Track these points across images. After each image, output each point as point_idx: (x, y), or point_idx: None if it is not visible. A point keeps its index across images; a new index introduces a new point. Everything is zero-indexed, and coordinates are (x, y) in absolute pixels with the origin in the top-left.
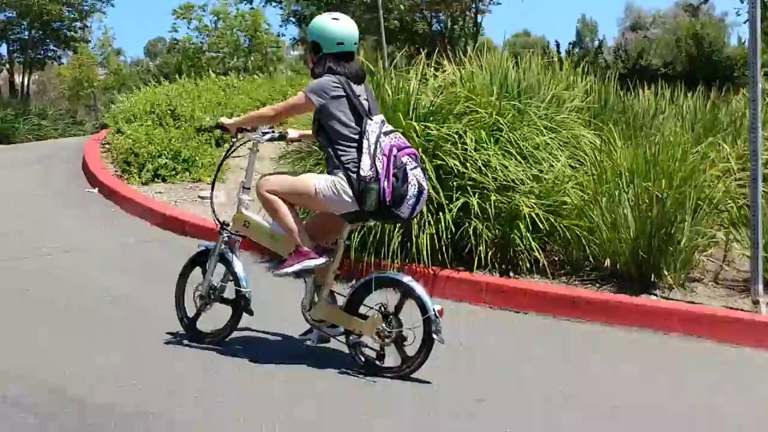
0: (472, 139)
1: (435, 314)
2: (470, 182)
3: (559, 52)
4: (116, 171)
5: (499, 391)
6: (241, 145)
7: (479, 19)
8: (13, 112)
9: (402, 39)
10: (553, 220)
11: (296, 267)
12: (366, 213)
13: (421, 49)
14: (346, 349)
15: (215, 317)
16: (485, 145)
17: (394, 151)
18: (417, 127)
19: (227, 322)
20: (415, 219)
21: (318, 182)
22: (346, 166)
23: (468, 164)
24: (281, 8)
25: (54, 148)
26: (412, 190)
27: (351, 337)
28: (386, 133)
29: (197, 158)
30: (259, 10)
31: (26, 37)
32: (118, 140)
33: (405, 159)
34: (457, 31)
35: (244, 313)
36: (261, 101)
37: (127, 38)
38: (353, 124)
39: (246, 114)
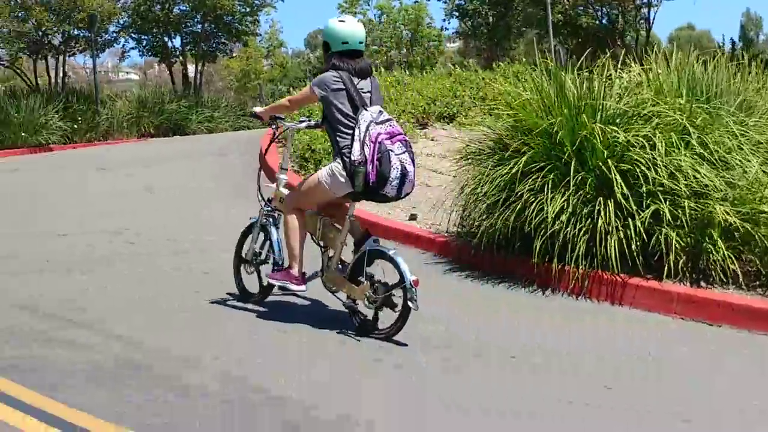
0: (662, 143)
1: (410, 284)
2: (660, 188)
3: (733, 49)
4: (292, 166)
5: (691, 402)
6: (282, 133)
7: (650, 14)
8: (187, 103)
9: (565, 33)
10: (749, 228)
11: (279, 283)
12: (359, 193)
13: (586, 45)
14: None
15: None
16: (675, 150)
17: (380, 137)
18: (602, 130)
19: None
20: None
21: (319, 173)
22: (342, 151)
23: (658, 169)
24: (445, 2)
25: (227, 141)
26: (394, 173)
27: (347, 302)
28: (380, 122)
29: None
30: (422, 5)
31: (199, 30)
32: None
33: (393, 145)
34: (623, 25)
35: None
36: (431, 97)
37: (288, 29)
38: (351, 114)
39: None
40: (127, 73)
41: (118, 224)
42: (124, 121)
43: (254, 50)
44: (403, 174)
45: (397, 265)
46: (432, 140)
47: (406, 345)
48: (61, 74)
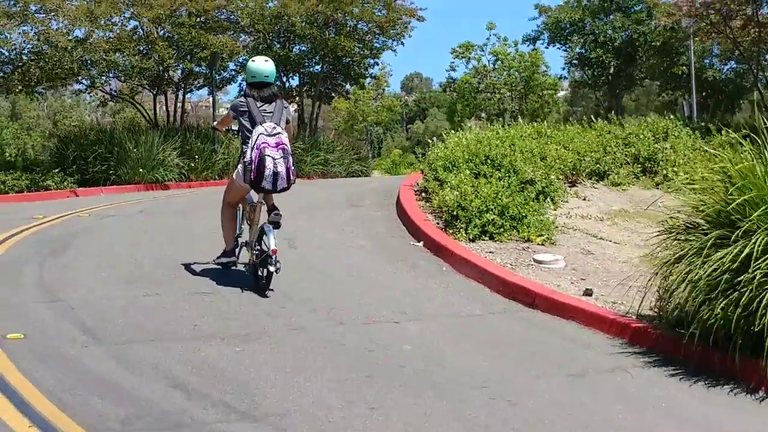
0: None
1: (270, 253)
2: None
3: None
4: (437, 223)
5: None
6: (224, 134)
7: None
8: (303, 145)
9: (689, 86)
10: None
11: (221, 260)
12: (252, 186)
13: (709, 98)
14: None
15: None
16: None
17: (263, 145)
18: None
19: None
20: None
21: (234, 174)
22: (243, 157)
23: None
24: (565, 50)
25: (355, 189)
26: (267, 172)
27: (249, 264)
28: (270, 135)
29: (525, 215)
30: (539, 52)
31: (317, 71)
32: (442, 191)
33: (274, 151)
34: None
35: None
36: (579, 152)
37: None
38: (251, 129)
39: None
40: (226, 109)
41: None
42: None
43: (363, 92)
44: (275, 173)
45: (267, 239)
46: (584, 200)
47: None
48: (179, 110)
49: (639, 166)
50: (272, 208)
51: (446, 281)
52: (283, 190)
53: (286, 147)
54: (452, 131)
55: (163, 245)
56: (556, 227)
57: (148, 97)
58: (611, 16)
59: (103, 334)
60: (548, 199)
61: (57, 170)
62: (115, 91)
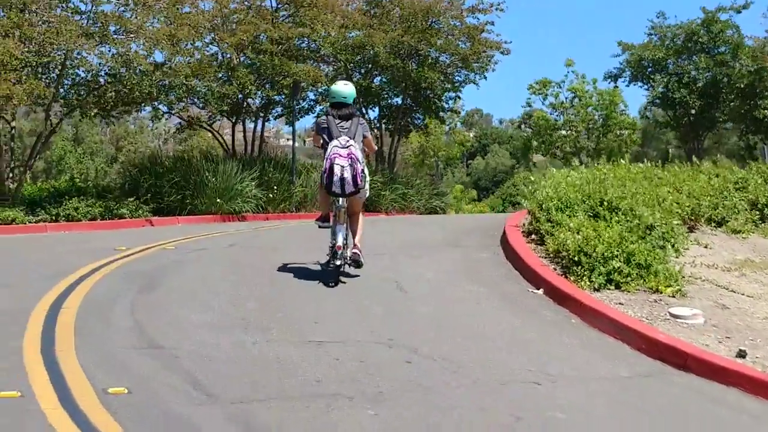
0: None
1: (335, 248)
2: None
3: None
4: (554, 269)
5: None
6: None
7: None
8: (382, 179)
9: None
10: None
11: (316, 222)
12: (325, 189)
13: None
14: None
15: None
16: None
17: (333, 155)
18: None
19: None
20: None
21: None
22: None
23: None
24: (647, 89)
25: (448, 227)
26: (334, 179)
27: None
28: (343, 147)
29: (651, 263)
30: (617, 90)
31: (398, 103)
32: (559, 234)
33: (343, 160)
34: None
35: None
36: (695, 197)
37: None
38: (329, 142)
39: None
40: (287, 139)
41: (381, 332)
42: (318, 194)
43: (435, 127)
44: (342, 179)
45: (336, 237)
46: (706, 247)
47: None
48: (258, 140)
49: (757, 213)
50: (352, 218)
51: (579, 336)
52: (352, 194)
53: (354, 156)
54: (553, 170)
55: (263, 285)
56: (683, 277)
57: (225, 125)
58: (694, 57)
59: (216, 390)
60: (670, 247)
61: (132, 199)
62: (193, 118)
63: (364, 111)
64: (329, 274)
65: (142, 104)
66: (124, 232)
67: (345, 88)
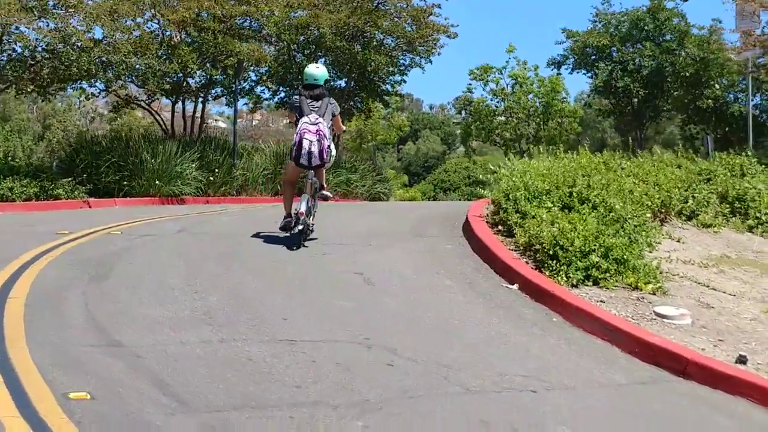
0: None
1: (297, 214)
2: None
3: None
4: (526, 262)
5: None
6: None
7: None
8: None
9: (714, 120)
10: None
11: (279, 224)
12: (294, 161)
13: (733, 133)
14: None
15: None
16: None
17: (303, 130)
18: None
19: None
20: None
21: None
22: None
23: None
24: (590, 77)
25: (405, 215)
26: (303, 152)
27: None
28: (313, 123)
29: (629, 258)
30: (558, 78)
31: (342, 86)
32: (532, 225)
33: (311, 135)
34: None
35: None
36: (665, 189)
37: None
38: (300, 119)
39: None
40: (215, 120)
41: (355, 330)
42: (260, 177)
43: (375, 110)
44: (309, 152)
45: (299, 204)
46: (678, 242)
47: None
48: (198, 120)
49: (727, 206)
50: (320, 187)
51: (565, 337)
52: (318, 167)
53: (321, 132)
54: (511, 158)
55: (222, 275)
56: (661, 273)
57: (163, 105)
58: (639, 45)
59: (188, 396)
60: (643, 241)
61: (69, 179)
62: (131, 97)
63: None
64: (291, 240)
65: (80, 81)
66: (62, 214)
67: (316, 71)
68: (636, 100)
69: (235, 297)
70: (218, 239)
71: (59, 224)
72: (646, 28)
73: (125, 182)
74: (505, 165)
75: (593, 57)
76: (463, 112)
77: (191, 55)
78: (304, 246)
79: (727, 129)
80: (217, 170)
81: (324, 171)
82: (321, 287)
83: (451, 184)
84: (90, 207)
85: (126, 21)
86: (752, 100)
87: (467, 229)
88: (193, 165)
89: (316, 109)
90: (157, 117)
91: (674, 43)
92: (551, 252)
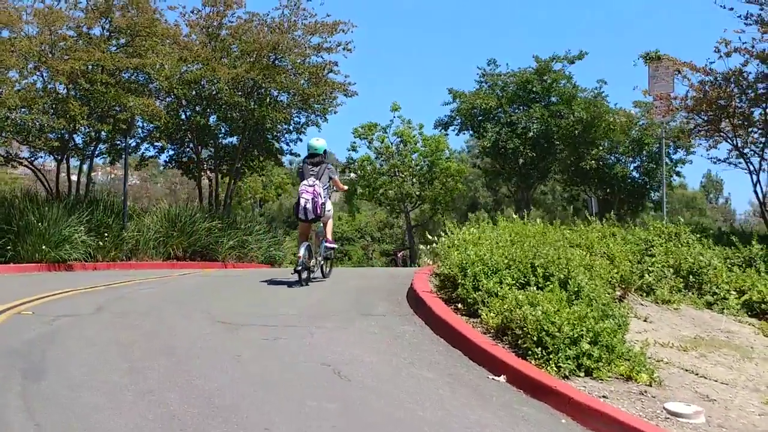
0: None
1: (319, 264)
2: None
3: None
4: (504, 348)
5: None
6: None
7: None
8: (220, 224)
9: (596, 182)
10: None
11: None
12: (295, 216)
13: (615, 195)
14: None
15: None
16: None
17: (301, 191)
18: None
19: None
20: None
21: None
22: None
23: None
24: (477, 138)
25: (335, 288)
26: (300, 208)
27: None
28: (310, 185)
29: (617, 345)
30: (441, 137)
31: (235, 144)
32: (501, 305)
33: (307, 195)
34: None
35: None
36: (613, 260)
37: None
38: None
39: None
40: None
41: None
42: (151, 240)
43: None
44: (305, 209)
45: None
46: (645, 321)
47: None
48: (84, 180)
49: (681, 280)
50: (324, 239)
51: None
52: (313, 220)
53: (316, 192)
54: (455, 227)
55: (178, 371)
56: (648, 360)
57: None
58: (526, 107)
59: None
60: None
61: None
62: (11, 155)
63: (198, 150)
64: (296, 279)
65: None
66: None
67: (316, 143)
68: (522, 161)
69: (197, 397)
70: (146, 321)
71: None
72: (534, 89)
73: (9, 247)
74: (446, 235)
75: (480, 118)
76: (346, 170)
77: (81, 109)
78: (305, 285)
79: (608, 190)
80: (106, 234)
81: (328, 224)
82: (293, 385)
83: None
84: None
85: (10, 73)
86: (634, 161)
87: (420, 307)
88: (82, 228)
89: (314, 173)
90: (41, 176)
91: (562, 105)
92: (535, 338)
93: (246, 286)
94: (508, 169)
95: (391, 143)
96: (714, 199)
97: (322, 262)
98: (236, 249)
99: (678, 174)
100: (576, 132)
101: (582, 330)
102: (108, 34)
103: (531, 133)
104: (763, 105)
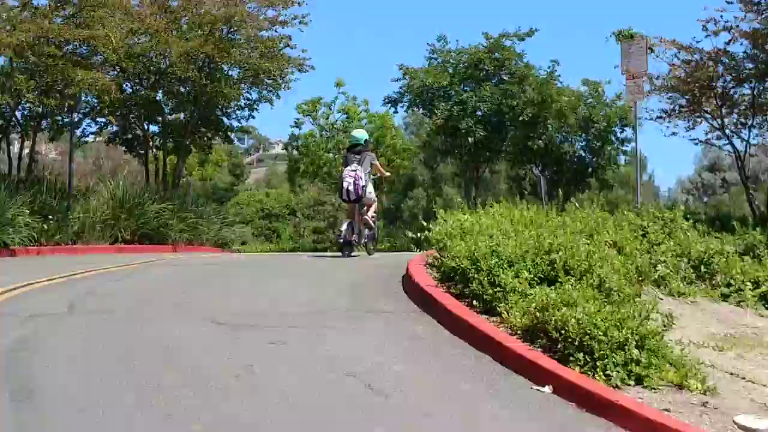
0: None
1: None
2: None
3: None
4: (538, 350)
5: None
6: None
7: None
8: (171, 205)
9: (546, 161)
10: None
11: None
12: (342, 199)
13: (564, 174)
14: None
15: None
16: None
17: (343, 175)
18: None
19: None
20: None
21: None
22: None
23: None
24: (429, 117)
25: (322, 278)
26: (343, 191)
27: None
28: (352, 170)
29: (661, 348)
30: (388, 114)
31: (182, 121)
32: (527, 303)
33: (348, 180)
34: (605, 156)
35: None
36: (625, 252)
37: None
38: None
39: None
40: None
41: None
42: (98, 223)
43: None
44: (347, 191)
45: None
46: (668, 317)
47: None
48: (27, 159)
49: (691, 270)
50: (364, 218)
51: None
52: (355, 201)
53: (357, 176)
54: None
55: (188, 391)
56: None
57: None
58: (479, 85)
59: None
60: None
61: None
62: None
63: (145, 127)
64: (341, 253)
65: None
66: None
67: (357, 133)
68: (472, 140)
69: (222, 425)
70: (135, 324)
71: None
72: (486, 68)
73: None
74: (438, 222)
75: (430, 95)
76: (289, 147)
77: (28, 83)
78: (351, 256)
79: (555, 169)
80: (51, 216)
81: (370, 205)
82: (326, 407)
83: (243, 217)
84: None
85: None
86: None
87: (429, 304)
88: (26, 211)
89: (357, 159)
90: None
91: (514, 85)
92: (577, 342)
93: (225, 277)
94: (460, 148)
95: (336, 120)
96: (639, 176)
97: (365, 241)
98: (186, 232)
99: (625, 153)
100: (527, 116)
101: (627, 333)
102: (55, 4)
103: (481, 113)
104: (750, 84)
